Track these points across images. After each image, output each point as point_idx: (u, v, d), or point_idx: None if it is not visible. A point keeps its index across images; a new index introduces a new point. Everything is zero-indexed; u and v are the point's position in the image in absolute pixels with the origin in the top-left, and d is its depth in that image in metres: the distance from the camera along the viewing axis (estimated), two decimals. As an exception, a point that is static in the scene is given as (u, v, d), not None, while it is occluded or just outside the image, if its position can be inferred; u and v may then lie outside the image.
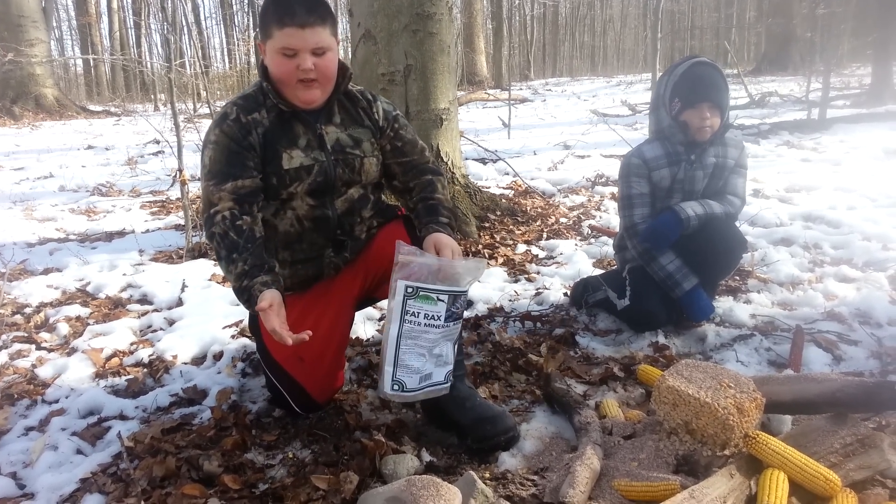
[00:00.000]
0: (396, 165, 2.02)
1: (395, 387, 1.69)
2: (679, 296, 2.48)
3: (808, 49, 13.43)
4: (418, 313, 1.67)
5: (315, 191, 1.89)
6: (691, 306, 2.48)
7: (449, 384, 1.76)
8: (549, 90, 17.63)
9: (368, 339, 2.55)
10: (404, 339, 1.68)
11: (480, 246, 3.69)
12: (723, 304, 2.68)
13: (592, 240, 3.85)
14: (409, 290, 1.65)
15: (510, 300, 2.94)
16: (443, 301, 1.68)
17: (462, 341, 1.98)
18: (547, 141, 7.77)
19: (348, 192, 1.95)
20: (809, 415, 1.79)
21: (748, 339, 2.39)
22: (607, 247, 3.60)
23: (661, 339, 2.43)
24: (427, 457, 1.77)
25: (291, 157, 1.84)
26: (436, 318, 1.68)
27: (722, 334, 2.45)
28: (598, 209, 4.57)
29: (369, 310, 2.75)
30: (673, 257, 2.48)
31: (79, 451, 1.90)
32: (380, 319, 2.77)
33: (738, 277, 2.96)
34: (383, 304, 2.79)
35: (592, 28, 39.34)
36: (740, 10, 33.38)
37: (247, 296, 1.70)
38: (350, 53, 4.38)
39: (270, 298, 1.63)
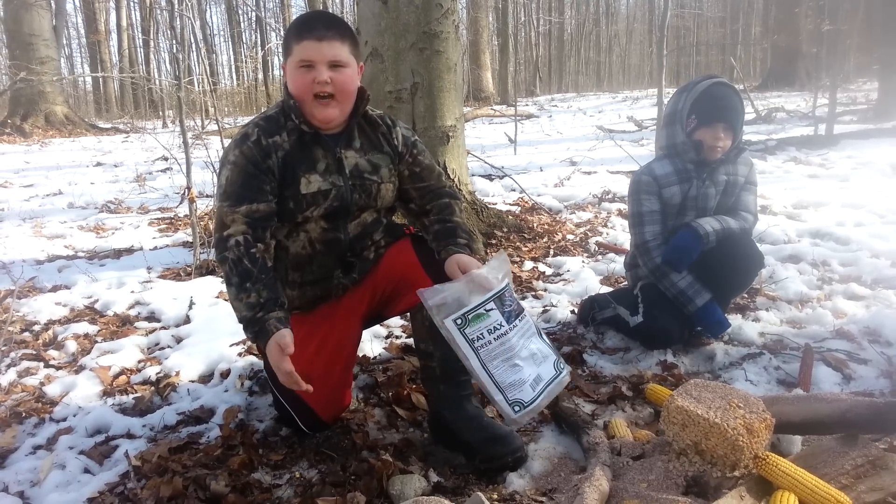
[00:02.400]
0: (413, 190, 2.02)
1: (517, 408, 1.67)
2: (692, 312, 2.46)
3: (814, 65, 13.47)
4: (482, 334, 1.66)
5: (330, 215, 1.90)
6: (706, 321, 2.46)
7: (565, 371, 1.76)
8: (555, 106, 17.70)
9: (376, 357, 2.55)
10: (489, 364, 1.66)
11: (487, 263, 3.69)
12: (732, 321, 2.66)
13: (599, 256, 3.85)
14: (459, 321, 1.64)
15: (517, 318, 2.92)
16: (493, 308, 1.67)
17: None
18: (553, 157, 7.79)
19: (362, 216, 1.96)
20: (820, 435, 1.77)
21: (757, 357, 2.38)
22: (614, 264, 3.59)
23: (670, 358, 2.42)
24: (435, 477, 1.76)
25: (310, 181, 1.84)
26: (499, 326, 1.67)
27: (731, 353, 2.44)
28: (605, 226, 4.57)
29: (377, 328, 2.75)
30: (684, 273, 2.47)
31: (86, 470, 1.89)
32: (387, 337, 2.77)
33: (746, 295, 2.95)
34: (391, 321, 2.82)
35: (598, 44, 39.54)
36: (746, 26, 33.54)
37: (258, 327, 1.70)
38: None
39: (291, 341, 1.66)
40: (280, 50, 1.90)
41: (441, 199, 2.01)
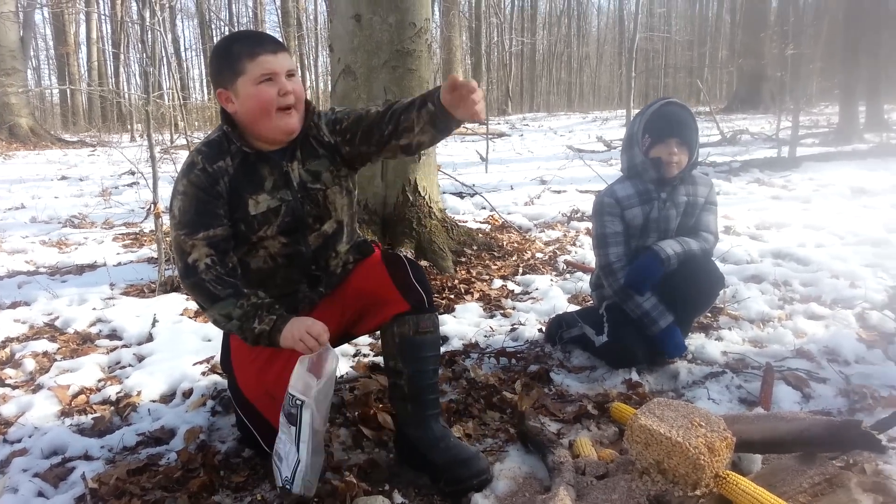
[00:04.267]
0: (363, 133, 1.89)
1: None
2: (655, 333, 2.50)
3: (778, 88, 13.84)
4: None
5: (286, 230, 1.89)
6: (667, 343, 2.49)
7: (286, 487, 1.69)
8: (527, 125, 17.89)
9: (342, 377, 2.52)
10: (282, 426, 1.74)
11: (457, 281, 3.70)
12: (695, 340, 2.71)
13: (568, 275, 3.88)
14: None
15: (485, 336, 2.93)
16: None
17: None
18: (524, 175, 7.86)
19: (322, 227, 1.95)
20: (779, 454, 1.80)
21: (720, 376, 2.41)
22: (582, 282, 3.62)
23: (635, 377, 2.44)
24: (399, 498, 1.74)
25: (258, 202, 1.84)
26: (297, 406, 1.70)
27: (694, 371, 2.47)
28: (574, 244, 4.61)
29: (344, 346, 2.73)
30: (649, 295, 2.51)
31: (40, 494, 1.84)
32: (354, 356, 2.76)
33: (709, 314, 2.99)
34: (359, 340, 2.80)
35: (569, 65, 40.14)
36: (713, 49, 34.41)
37: (279, 312, 1.77)
38: (330, 88, 4.43)
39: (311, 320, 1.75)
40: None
41: (386, 111, 1.86)
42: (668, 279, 2.48)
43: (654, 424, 1.68)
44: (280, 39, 1.85)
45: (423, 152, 3.97)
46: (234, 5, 30.35)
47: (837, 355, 2.55)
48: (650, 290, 2.51)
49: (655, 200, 2.53)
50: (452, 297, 3.48)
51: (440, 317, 3.09)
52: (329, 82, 4.31)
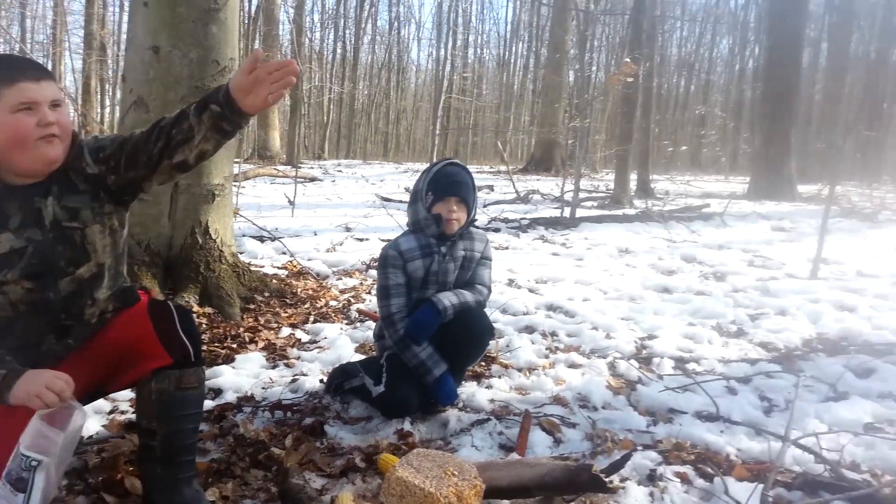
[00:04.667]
0: (128, 158, 1.76)
1: None
2: (430, 382, 2.59)
3: (567, 154, 15.36)
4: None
5: (31, 274, 1.70)
6: (439, 391, 2.60)
7: None
8: (340, 171, 17.98)
9: (91, 437, 2.28)
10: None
11: (242, 329, 3.56)
12: (467, 389, 2.84)
13: (359, 324, 3.91)
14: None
15: (264, 388, 2.84)
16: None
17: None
18: (330, 222, 7.85)
19: (77, 271, 1.77)
20: (524, 498, 1.93)
21: (485, 423, 2.54)
22: (370, 331, 3.66)
23: (407, 426, 2.49)
24: (135, 572, 1.60)
25: None
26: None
27: (463, 419, 2.58)
28: (370, 292, 4.66)
29: (100, 402, 2.48)
30: (426, 345, 2.61)
31: None
32: (110, 413, 2.52)
33: (483, 363, 3.17)
34: (118, 395, 2.56)
35: (387, 115, 41.24)
36: (517, 114, 37.44)
37: (8, 367, 1.58)
38: (119, 118, 4.15)
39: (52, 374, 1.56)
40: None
41: (144, 130, 1.77)
42: (444, 329, 2.60)
43: (409, 476, 1.72)
44: (46, 66, 1.72)
45: (217, 193, 3.83)
46: (27, 21, 27.31)
47: (588, 401, 2.80)
48: (427, 340, 2.61)
49: (436, 254, 2.66)
50: (235, 346, 3.34)
51: (217, 368, 2.97)
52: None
